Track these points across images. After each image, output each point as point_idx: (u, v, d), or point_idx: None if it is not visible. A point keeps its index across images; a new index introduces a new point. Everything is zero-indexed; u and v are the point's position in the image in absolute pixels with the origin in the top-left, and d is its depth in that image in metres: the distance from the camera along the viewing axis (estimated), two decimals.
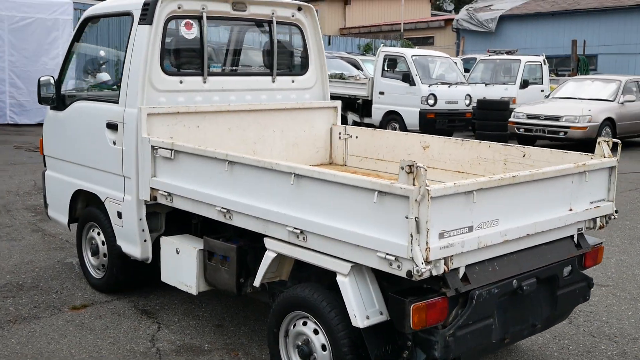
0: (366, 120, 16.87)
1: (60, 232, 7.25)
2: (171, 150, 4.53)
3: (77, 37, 5.72)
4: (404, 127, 15.85)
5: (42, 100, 5.70)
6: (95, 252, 5.56)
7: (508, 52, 22.13)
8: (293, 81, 5.77)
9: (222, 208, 4.17)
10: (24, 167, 11.08)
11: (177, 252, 4.65)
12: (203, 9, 5.12)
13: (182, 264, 4.63)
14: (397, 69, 16.40)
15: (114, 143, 5.03)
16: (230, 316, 5.12)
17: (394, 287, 3.50)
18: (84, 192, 5.55)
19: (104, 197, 5.24)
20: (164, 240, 4.79)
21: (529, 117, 15.50)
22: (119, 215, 5.09)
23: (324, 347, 3.70)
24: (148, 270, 5.32)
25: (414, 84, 15.80)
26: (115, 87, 5.55)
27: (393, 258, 3.22)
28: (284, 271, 4.10)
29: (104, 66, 7.12)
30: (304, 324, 3.81)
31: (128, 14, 5.09)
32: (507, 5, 31.35)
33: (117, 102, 5.03)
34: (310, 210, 3.62)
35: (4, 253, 6.53)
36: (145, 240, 4.96)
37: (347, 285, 3.48)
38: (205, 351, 4.55)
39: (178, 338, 4.72)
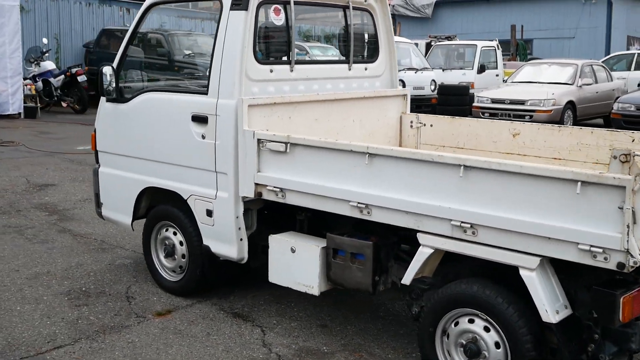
0: None
1: (90, 232, 6.81)
2: (286, 143, 4.28)
3: (138, 24, 5.34)
4: None
5: (105, 92, 5.30)
6: (170, 254, 5.23)
7: (447, 38, 22.43)
8: (366, 69, 5.59)
9: (359, 203, 3.97)
10: (1, 163, 10.38)
11: (293, 251, 4.42)
12: None
13: (299, 263, 4.40)
14: None
15: (203, 137, 4.73)
16: (329, 315, 4.92)
17: (579, 280, 3.43)
18: (155, 189, 5.22)
19: (187, 195, 4.93)
20: (274, 239, 4.54)
21: (494, 101, 15.75)
22: (209, 213, 4.80)
23: (497, 345, 3.58)
24: (235, 271, 5.07)
25: None
26: (197, 77, 5.22)
27: (600, 250, 3.13)
28: (427, 268, 3.95)
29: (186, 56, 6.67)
30: (470, 321, 3.68)
31: None
32: None
33: (206, 93, 4.72)
34: (484, 203, 3.49)
35: (45, 257, 6.07)
36: (241, 239, 4.70)
37: (535, 280, 3.37)
38: (327, 354, 4.35)
39: (291, 341, 4.50)
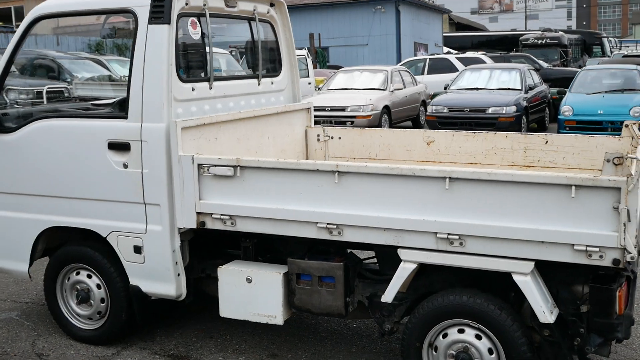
0: None
1: None
2: (235, 167, 4.00)
3: (21, 41, 4.70)
4: None
5: None
6: (85, 299, 4.66)
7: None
8: (272, 83, 5.40)
9: (329, 224, 3.81)
10: None
11: (249, 281, 4.13)
12: (205, 5, 4.57)
13: (258, 293, 4.13)
14: None
15: (125, 166, 4.27)
16: (274, 343, 4.67)
17: (555, 279, 3.56)
18: (57, 229, 4.63)
19: (106, 232, 4.43)
20: (225, 270, 4.22)
21: (315, 109, 16.03)
22: (137, 250, 4.35)
23: (490, 351, 3.62)
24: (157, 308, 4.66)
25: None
26: (106, 98, 4.68)
27: (596, 249, 3.27)
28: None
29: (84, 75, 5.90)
30: (460, 331, 3.68)
31: (125, 11, 4.34)
32: None
33: (125, 117, 4.27)
34: (472, 213, 3.50)
35: None
36: (178, 275, 4.32)
37: (530, 284, 3.45)
38: None
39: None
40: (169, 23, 4.19)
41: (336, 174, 3.76)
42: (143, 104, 4.22)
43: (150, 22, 4.21)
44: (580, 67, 29.47)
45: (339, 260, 4.05)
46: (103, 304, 4.62)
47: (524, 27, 67.20)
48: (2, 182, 4.73)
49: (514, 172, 3.44)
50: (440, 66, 23.07)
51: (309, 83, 19.01)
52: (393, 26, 27.62)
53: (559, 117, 14.09)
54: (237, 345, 4.65)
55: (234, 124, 4.72)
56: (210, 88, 4.67)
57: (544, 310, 3.43)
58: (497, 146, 5.09)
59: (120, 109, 4.38)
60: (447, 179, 3.52)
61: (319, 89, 18.15)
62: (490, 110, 14.59)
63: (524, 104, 14.99)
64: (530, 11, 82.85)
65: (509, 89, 15.65)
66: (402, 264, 3.73)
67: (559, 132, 13.28)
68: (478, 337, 3.64)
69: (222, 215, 4.09)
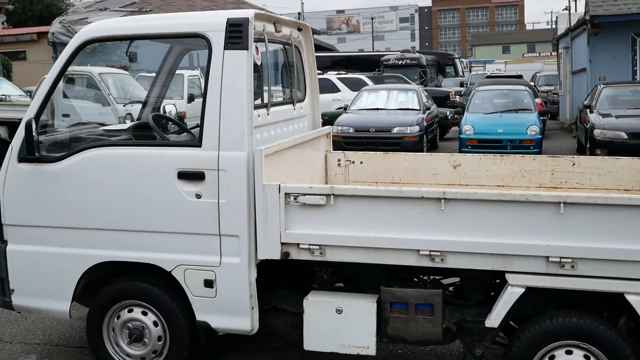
0: None
1: None
2: (329, 195, 3.91)
3: (68, 65, 4.33)
4: None
5: (30, 151, 4.19)
6: (139, 338, 4.32)
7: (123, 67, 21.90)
8: (301, 108, 5.31)
9: (432, 251, 3.82)
10: None
11: (339, 312, 4.03)
12: (264, 30, 4.44)
13: (348, 324, 4.03)
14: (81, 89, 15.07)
15: (198, 196, 4.04)
16: None
17: None
18: (105, 265, 4.29)
19: (171, 266, 4.16)
20: (312, 302, 4.09)
21: None
22: (208, 284, 4.12)
23: None
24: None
25: (108, 104, 14.74)
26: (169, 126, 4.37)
27: None
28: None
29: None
30: (568, 352, 3.79)
31: (197, 36, 4.13)
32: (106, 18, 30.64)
33: (199, 146, 4.05)
34: (585, 236, 3.64)
35: None
36: (253, 308, 4.14)
37: None
38: None
39: None
40: (247, 49, 4.03)
41: (442, 200, 3.78)
42: (220, 131, 4.02)
43: (227, 48, 4.02)
44: (436, 86, 31.06)
45: (430, 287, 4.06)
46: (160, 342, 4.32)
47: (371, 47, 69.97)
48: (43, 216, 4.34)
49: (631, 196, 3.63)
50: (322, 86, 23.33)
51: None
52: None
53: (461, 136, 14.79)
54: None
55: (290, 151, 4.61)
56: (268, 114, 4.54)
57: None
58: (525, 169, 5.30)
59: (189, 136, 4.14)
60: (562, 204, 3.64)
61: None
62: (395, 130, 15.03)
63: (425, 123, 15.60)
64: (377, 32, 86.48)
65: (408, 109, 16.21)
66: (509, 288, 3.80)
67: (460, 151, 13.95)
68: (587, 358, 3.78)
69: (310, 245, 3.97)
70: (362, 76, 24.40)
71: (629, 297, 3.65)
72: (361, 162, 5.60)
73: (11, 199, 4.40)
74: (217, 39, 4.04)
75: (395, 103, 16.63)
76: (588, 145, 13.76)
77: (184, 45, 5.30)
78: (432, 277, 4.29)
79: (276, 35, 4.68)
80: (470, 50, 79.75)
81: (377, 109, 16.36)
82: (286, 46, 5.04)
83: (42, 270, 4.40)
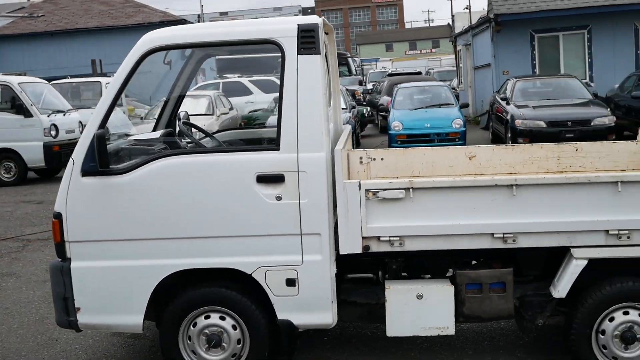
0: None
1: None
2: (407, 189, 4.20)
3: (130, 76, 4.38)
4: (23, 165, 14.26)
5: (107, 162, 4.21)
6: (217, 344, 4.42)
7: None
8: (330, 110, 5.53)
9: (505, 234, 4.19)
10: None
11: (420, 297, 4.33)
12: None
13: (429, 308, 4.34)
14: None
15: (278, 198, 4.23)
16: (412, 357, 4.86)
17: None
18: (178, 273, 4.36)
19: (251, 269, 4.30)
20: (394, 290, 4.36)
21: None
22: (290, 282, 4.30)
23: None
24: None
25: (31, 115, 14.22)
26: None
27: None
28: None
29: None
30: (625, 313, 4.28)
31: (269, 42, 4.30)
32: None
33: (277, 149, 4.23)
34: (634, 210, 4.13)
35: None
36: (333, 302, 4.36)
37: None
38: None
39: None
40: (319, 53, 4.25)
41: (514, 187, 4.16)
42: (299, 134, 4.21)
43: (300, 53, 4.22)
44: None
45: (496, 266, 4.43)
46: (239, 345, 4.44)
47: None
48: (112, 229, 4.34)
49: None
50: (235, 89, 23.50)
51: (124, 112, 18.33)
52: None
53: (390, 132, 15.39)
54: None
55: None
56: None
57: None
58: (534, 156, 5.77)
59: (267, 140, 4.30)
60: (619, 183, 4.11)
61: (141, 118, 17.61)
62: None
63: (352, 122, 16.07)
64: None
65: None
66: (574, 261, 4.23)
67: (390, 146, 14.53)
68: None
69: (391, 237, 4.25)
70: (274, 78, 24.63)
71: None
72: (382, 159, 5.90)
73: (75, 214, 4.37)
74: (290, 45, 4.23)
75: None
76: (509, 135, 14.69)
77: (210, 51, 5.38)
78: (480, 260, 4.65)
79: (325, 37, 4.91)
80: (354, 49, 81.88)
81: None
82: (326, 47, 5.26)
83: (112, 285, 4.40)
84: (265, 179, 4.23)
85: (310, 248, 4.26)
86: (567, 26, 19.70)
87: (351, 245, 4.27)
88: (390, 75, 28.47)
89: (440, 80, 31.90)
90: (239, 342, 4.44)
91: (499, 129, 16.17)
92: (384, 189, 4.22)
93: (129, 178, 4.31)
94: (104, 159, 4.20)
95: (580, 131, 13.63)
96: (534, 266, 4.53)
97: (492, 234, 4.21)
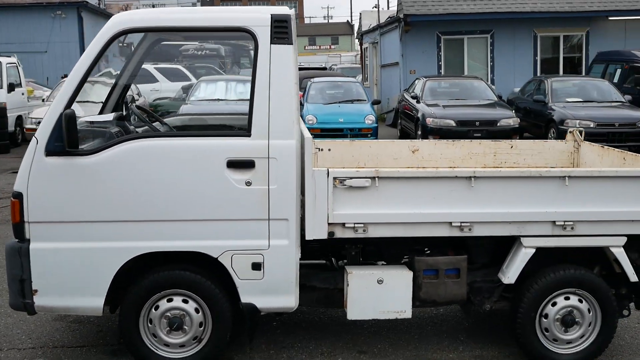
0: None
1: None
2: (373, 178, 4.38)
3: (99, 57, 4.31)
4: None
5: (77, 142, 4.14)
6: (179, 327, 4.44)
7: None
8: None
9: (463, 222, 4.45)
10: None
11: (380, 282, 4.51)
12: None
13: (388, 293, 4.52)
14: None
15: (248, 184, 4.30)
16: (361, 341, 5.04)
17: None
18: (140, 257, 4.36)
19: (218, 252, 4.36)
20: (356, 275, 4.51)
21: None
22: (256, 266, 4.38)
23: (589, 310, 4.64)
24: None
25: None
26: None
27: None
28: None
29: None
30: (567, 298, 4.62)
31: (242, 30, 4.35)
32: None
33: (248, 135, 4.30)
34: (582, 202, 4.48)
35: None
36: (296, 286, 4.48)
37: (623, 254, 4.56)
38: None
39: None
40: (292, 43, 4.34)
41: (472, 178, 4.42)
42: (270, 122, 4.30)
43: (273, 42, 4.30)
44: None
45: (450, 253, 4.67)
46: (201, 328, 4.48)
47: None
48: (76, 211, 4.28)
49: (618, 169, 4.53)
50: (140, 76, 23.00)
51: (22, 94, 17.60)
52: (75, 33, 26.46)
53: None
54: (321, 348, 4.92)
55: None
56: None
57: (631, 273, 4.57)
58: (472, 151, 6.10)
59: (237, 126, 4.35)
60: (567, 178, 4.44)
61: (43, 100, 16.97)
62: None
63: None
64: None
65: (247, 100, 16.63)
66: (524, 249, 4.54)
67: None
68: (580, 301, 4.63)
69: (355, 224, 4.41)
70: (180, 67, 24.32)
71: (613, 249, 4.55)
72: (329, 150, 6.06)
73: (37, 195, 4.28)
74: (264, 34, 4.30)
75: (235, 94, 16.97)
76: (420, 132, 15.21)
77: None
78: (432, 248, 4.89)
79: None
80: None
81: (218, 99, 16.60)
82: None
83: (73, 267, 4.33)
84: (235, 164, 4.29)
85: (277, 233, 4.36)
86: (471, 30, 20.56)
87: (317, 231, 4.40)
88: (301, 70, 28.64)
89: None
90: (200, 325, 4.48)
91: (409, 126, 16.69)
92: (351, 177, 4.37)
93: (96, 159, 4.26)
94: (73, 139, 4.14)
95: (487, 131, 14.30)
96: (483, 254, 4.81)
97: (451, 223, 4.45)
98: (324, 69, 29.75)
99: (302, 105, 16.82)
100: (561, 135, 14.31)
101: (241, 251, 4.36)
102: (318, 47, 74.99)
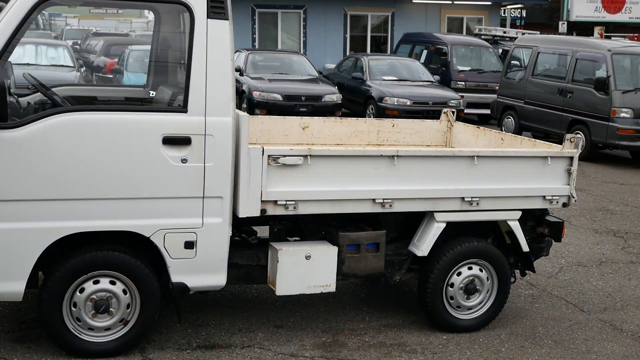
0: None
1: None
2: (306, 156, 4.45)
3: (21, 26, 3.90)
4: None
5: (6, 114, 3.75)
6: (105, 309, 4.21)
7: None
8: None
9: (385, 199, 4.68)
10: None
11: (308, 258, 4.59)
12: None
13: (315, 268, 4.62)
14: None
15: (184, 161, 4.18)
16: (273, 316, 5.09)
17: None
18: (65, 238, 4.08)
19: (150, 231, 4.19)
20: (286, 251, 4.54)
21: None
22: (189, 245, 4.29)
23: (487, 278, 5.10)
24: None
25: None
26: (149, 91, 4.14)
27: (556, 197, 5.11)
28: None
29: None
30: (469, 268, 5.04)
31: (178, 3, 4.17)
32: None
33: (184, 111, 4.16)
34: (484, 180, 4.91)
35: None
36: (226, 263, 4.46)
37: (518, 227, 5.07)
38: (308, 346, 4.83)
39: (283, 350, 4.67)
40: (228, 19, 4.25)
41: (395, 157, 4.65)
42: (207, 98, 4.19)
43: (210, 17, 4.18)
44: None
45: (367, 229, 4.88)
46: (128, 310, 4.29)
47: None
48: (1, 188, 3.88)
49: (517, 150, 5.00)
50: None
51: None
52: None
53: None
54: (240, 324, 4.93)
55: None
56: None
57: (524, 244, 5.11)
58: (358, 129, 6.33)
59: (173, 102, 4.18)
60: (476, 157, 4.83)
61: None
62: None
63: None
64: None
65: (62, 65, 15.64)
66: (436, 224, 4.87)
67: None
68: (481, 270, 5.07)
69: (287, 201, 4.45)
70: None
71: (510, 223, 5.04)
72: None
73: None
74: (200, 8, 4.16)
75: (46, 59, 15.84)
76: (246, 106, 15.27)
77: None
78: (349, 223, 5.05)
79: None
80: None
81: (28, 64, 15.39)
82: None
83: None
84: (171, 141, 4.14)
85: (211, 211, 4.28)
86: (286, 4, 20.89)
87: (250, 209, 4.38)
88: (96, 34, 27.38)
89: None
90: (128, 307, 4.29)
91: None
92: (285, 155, 4.40)
93: (21, 133, 3.89)
94: (3, 111, 3.75)
95: (312, 106, 14.74)
96: (394, 229, 5.08)
97: (374, 200, 4.65)
98: (127, 35, 28.66)
99: (122, 73, 16.15)
100: (380, 111, 15.19)
101: (174, 230, 4.23)
102: (104, 11, 71.44)
